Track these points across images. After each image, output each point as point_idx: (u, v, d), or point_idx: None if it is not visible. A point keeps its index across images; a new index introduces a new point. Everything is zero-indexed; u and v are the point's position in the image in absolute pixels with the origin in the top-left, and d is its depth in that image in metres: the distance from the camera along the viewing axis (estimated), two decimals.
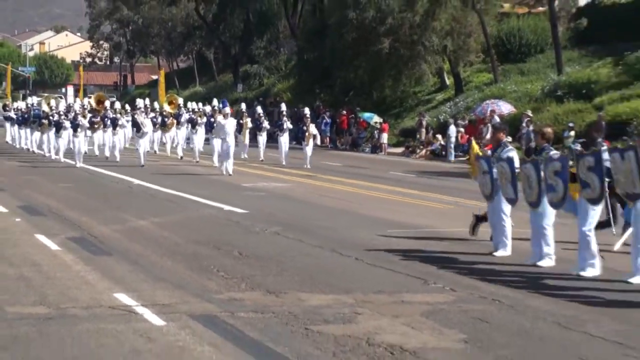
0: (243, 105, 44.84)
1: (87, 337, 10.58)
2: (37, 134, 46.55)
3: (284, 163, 39.68)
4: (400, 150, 52.73)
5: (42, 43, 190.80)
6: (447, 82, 62.27)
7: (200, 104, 49.52)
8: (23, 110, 52.26)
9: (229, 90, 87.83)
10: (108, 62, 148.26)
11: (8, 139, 54.08)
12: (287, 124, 42.08)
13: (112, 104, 49.14)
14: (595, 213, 14.91)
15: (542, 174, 15.59)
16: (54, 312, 11.89)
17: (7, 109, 58.78)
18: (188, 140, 46.10)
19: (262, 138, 43.34)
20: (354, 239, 18.60)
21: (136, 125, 40.11)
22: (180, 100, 50.42)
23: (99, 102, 48.39)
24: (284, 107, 45.27)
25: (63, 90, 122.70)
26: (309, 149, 38.98)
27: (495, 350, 10.27)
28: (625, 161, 13.93)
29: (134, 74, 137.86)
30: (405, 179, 35.06)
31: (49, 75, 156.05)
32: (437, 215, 23.29)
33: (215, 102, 44.66)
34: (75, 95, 79.29)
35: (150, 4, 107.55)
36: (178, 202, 25.48)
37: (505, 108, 48.26)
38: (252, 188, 29.51)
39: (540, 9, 60.13)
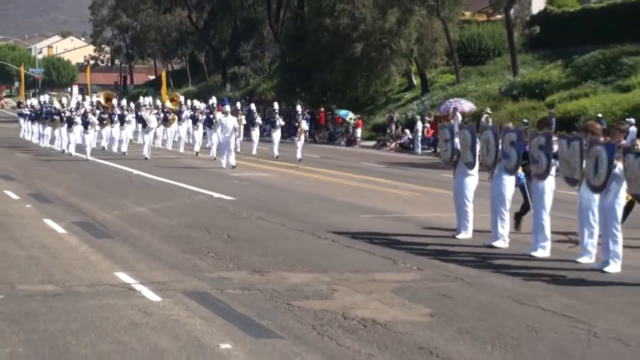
0: (238, 104, 44.30)
1: (90, 312, 10.55)
2: (48, 130, 46.01)
3: (276, 155, 39.10)
4: (372, 143, 52.79)
5: (49, 47, 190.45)
6: (415, 82, 62.36)
7: (197, 101, 49.19)
8: (36, 107, 51.63)
9: (219, 89, 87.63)
10: (109, 64, 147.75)
11: (22, 134, 53.52)
12: (280, 121, 41.38)
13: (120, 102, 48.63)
14: (550, 199, 14.94)
15: (499, 140, 15.73)
16: (60, 290, 11.85)
17: (21, 106, 58.35)
18: (188, 134, 45.43)
19: (255, 133, 42.85)
20: (331, 223, 18.59)
21: (142, 121, 39.60)
22: (182, 98, 49.85)
23: (107, 99, 48.02)
24: (276, 105, 44.46)
25: (69, 89, 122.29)
26: (300, 143, 38.31)
27: (458, 323, 10.28)
28: (571, 149, 14.07)
29: (133, 74, 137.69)
30: (377, 169, 35.07)
31: (56, 75, 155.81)
32: (405, 202, 23.31)
33: (213, 99, 44.34)
34: (84, 94, 78.68)
35: (147, 12, 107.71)
36: (173, 190, 25.42)
37: (467, 106, 48.16)
38: (239, 177, 29.48)
39: (498, 16, 60.17)
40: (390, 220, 19.43)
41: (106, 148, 42.94)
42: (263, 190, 25.73)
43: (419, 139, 47.48)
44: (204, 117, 41.68)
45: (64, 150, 40.69)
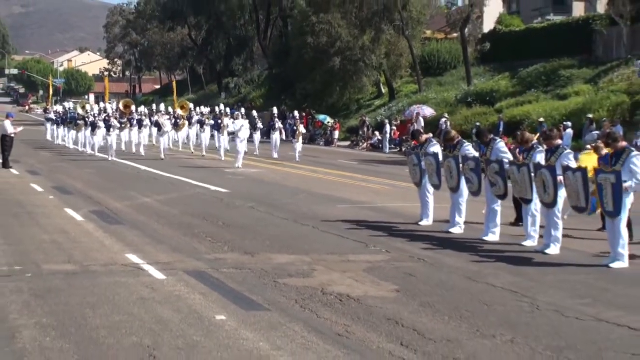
0: (242, 110, 42.86)
1: (104, 288, 10.51)
2: (73, 133, 45.26)
3: (275, 156, 37.44)
4: (347, 143, 52.74)
5: (69, 60, 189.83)
6: (383, 91, 62.45)
7: (204, 108, 48.47)
8: (61, 113, 50.79)
9: (215, 97, 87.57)
10: (121, 75, 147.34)
11: (48, 137, 52.41)
12: (278, 124, 40.07)
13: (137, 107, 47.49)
14: (497, 190, 14.96)
15: (460, 167, 15.70)
16: (79, 269, 11.81)
17: (48, 112, 57.60)
18: (197, 137, 43.93)
19: (257, 136, 41.36)
20: (311, 212, 18.58)
21: (158, 126, 38.79)
22: (192, 105, 48.87)
23: (126, 106, 47.29)
24: (275, 110, 42.83)
25: (86, 97, 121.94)
26: (299, 145, 37.17)
27: (420, 297, 10.28)
28: (521, 174, 14.22)
29: (141, 84, 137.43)
30: (351, 165, 35.06)
31: (75, 85, 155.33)
32: (375, 194, 23.31)
33: (222, 106, 43.53)
34: (99, 101, 77.91)
35: (154, 31, 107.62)
36: (175, 184, 25.34)
37: (428, 111, 48.44)
38: (233, 173, 29.41)
39: (454, 35, 60.35)
40: (363, 209, 19.42)
41: (125, 149, 42.25)
42: (254, 184, 25.68)
43: (387, 139, 47.50)
44: (212, 122, 40.84)
45: (86, 152, 39.95)
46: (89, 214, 17.78)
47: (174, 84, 78.73)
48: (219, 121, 38.51)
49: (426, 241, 14.69)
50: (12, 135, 30.37)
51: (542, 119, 37.14)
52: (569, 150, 14.07)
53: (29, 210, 18.43)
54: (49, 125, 53.43)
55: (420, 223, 16.84)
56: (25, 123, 49.61)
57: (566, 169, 13.24)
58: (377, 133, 50.36)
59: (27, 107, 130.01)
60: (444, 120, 43.03)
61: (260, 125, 42.28)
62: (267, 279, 11.27)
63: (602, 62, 46.04)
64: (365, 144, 50.34)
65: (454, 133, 17.05)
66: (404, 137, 46.28)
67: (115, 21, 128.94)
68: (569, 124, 34.19)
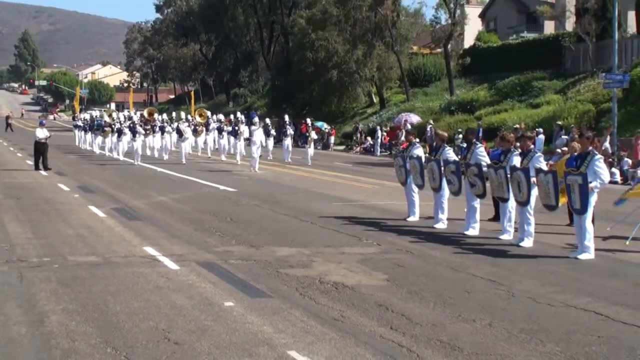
0: (256, 118, 41.53)
1: (124, 277, 10.50)
2: (99, 139, 44.33)
3: (287, 160, 36.37)
4: (342, 147, 52.77)
5: (93, 73, 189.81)
6: (374, 100, 62.49)
7: (221, 115, 47.43)
8: (88, 120, 50.08)
9: (223, 106, 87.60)
10: (139, 86, 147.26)
11: (77, 142, 51.75)
12: (290, 130, 38.70)
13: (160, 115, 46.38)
14: (477, 190, 14.96)
15: (442, 169, 15.77)
16: (101, 260, 11.78)
17: (76, 119, 56.86)
18: (215, 142, 42.71)
19: (270, 142, 40.54)
20: (310, 209, 18.56)
21: (179, 133, 37.51)
22: (209, 113, 47.36)
23: (150, 114, 46.11)
24: (287, 117, 41.77)
25: (107, 105, 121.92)
26: (310, 150, 36.25)
27: (408, 286, 10.27)
28: (497, 175, 14.21)
29: (157, 94, 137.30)
30: (346, 167, 35.07)
31: (98, 95, 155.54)
32: (367, 193, 23.30)
33: (239, 114, 42.22)
34: (125, 109, 76.78)
35: (169, 46, 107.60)
36: (188, 183, 25.31)
37: (415, 119, 48.47)
38: (240, 173, 29.40)
39: (438, 50, 60.43)
40: (356, 207, 19.41)
41: (150, 154, 40.65)
42: (258, 184, 25.66)
43: (378, 144, 47.59)
44: (230, 128, 39.55)
45: (112, 156, 38.86)
46: (110, 211, 17.76)
47: (192, 93, 78.52)
48: (236, 127, 37.43)
49: (413, 235, 14.68)
50: (43, 141, 30.28)
51: (517, 125, 37.17)
52: (539, 154, 14.22)
53: (56, 207, 18.41)
54: (76, 131, 53.07)
55: (407, 219, 16.83)
56: (53, 129, 49.31)
57: (538, 171, 13.28)
58: (369, 138, 50.43)
59: (53, 115, 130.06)
60: (429, 127, 43.04)
61: (273, 132, 41.31)
62: (270, 269, 11.25)
63: (571, 74, 46.14)
64: (358, 148, 50.36)
65: (444, 135, 17.12)
66: (393, 142, 46.31)
67: (134, 38, 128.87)
68: (541, 130, 34.18)
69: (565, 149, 19.71)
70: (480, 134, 37.47)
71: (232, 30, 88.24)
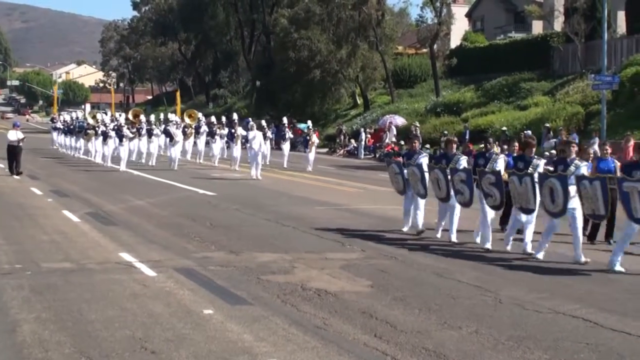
0: (250, 120, 39.96)
1: (99, 284, 10.46)
2: (81, 142, 42.05)
3: (285, 166, 35.02)
4: (325, 150, 52.75)
5: (67, 72, 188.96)
6: (358, 101, 62.59)
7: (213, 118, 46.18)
8: (68, 122, 47.65)
9: (203, 107, 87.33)
10: (115, 87, 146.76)
11: (54, 145, 49.79)
12: (289, 134, 37.67)
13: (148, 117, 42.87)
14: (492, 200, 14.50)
15: (449, 177, 14.79)
16: (75, 267, 11.73)
17: (54, 121, 55.28)
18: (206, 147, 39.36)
19: (267, 145, 37.04)
20: (291, 213, 18.56)
21: (169, 135, 35.42)
22: (200, 114, 44.73)
23: (135, 116, 44.04)
24: (285, 120, 41.08)
25: (82, 106, 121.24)
26: (311, 155, 34.89)
27: (393, 292, 10.30)
28: (523, 185, 13.30)
29: (134, 95, 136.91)
30: (328, 170, 35.07)
31: (72, 95, 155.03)
32: (350, 197, 23.33)
33: (235, 116, 40.66)
34: (104, 111, 75.18)
35: (146, 45, 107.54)
36: (166, 187, 25.23)
37: (400, 120, 48.58)
38: (220, 177, 29.34)
39: (424, 50, 60.55)
40: (339, 211, 19.43)
41: (135, 159, 37.34)
42: (238, 187, 25.64)
43: (362, 146, 47.64)
44: (224, 131, 37.43)
45: (96, 162, 36.75)
46: (84, 215, 17.68)
47: (178, 94, 77.66)
48: (232, 130, 35.85)
49: (398, 240, 14.72)
50: (15, 144, 29.97)
51: (504, 128, 37.41)
52: (585, 163, 13.40)
53: (29, 212, 18.31)
54: (55, 134, 51.44)
55: (403, 229, 15.98)
56: (26, 131, 48.96)
57: (580, 178, 12.57)
58: (352, 140, 50.48)
59: (27, 116, 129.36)
60: (414, 127, 43.08)
61: (269, 134, 38.79)
62: (250, 275, 11.24)
63: (559, 75, 46.43)
64: (342, 151, 50.41)
65: (456, 141, 16.22)
66: (377, 144, 46.40)
67: (110, 36, 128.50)
68: (529, 132, 34.34)
69: (554, 151, 19.79)
70: (467, 137, 37.66)
71: (212, 29, 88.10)
